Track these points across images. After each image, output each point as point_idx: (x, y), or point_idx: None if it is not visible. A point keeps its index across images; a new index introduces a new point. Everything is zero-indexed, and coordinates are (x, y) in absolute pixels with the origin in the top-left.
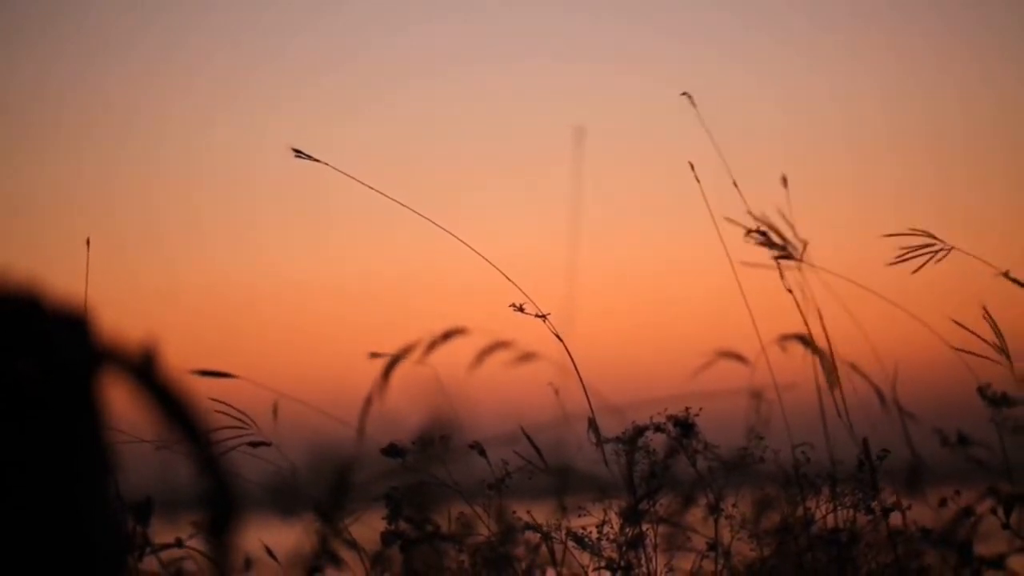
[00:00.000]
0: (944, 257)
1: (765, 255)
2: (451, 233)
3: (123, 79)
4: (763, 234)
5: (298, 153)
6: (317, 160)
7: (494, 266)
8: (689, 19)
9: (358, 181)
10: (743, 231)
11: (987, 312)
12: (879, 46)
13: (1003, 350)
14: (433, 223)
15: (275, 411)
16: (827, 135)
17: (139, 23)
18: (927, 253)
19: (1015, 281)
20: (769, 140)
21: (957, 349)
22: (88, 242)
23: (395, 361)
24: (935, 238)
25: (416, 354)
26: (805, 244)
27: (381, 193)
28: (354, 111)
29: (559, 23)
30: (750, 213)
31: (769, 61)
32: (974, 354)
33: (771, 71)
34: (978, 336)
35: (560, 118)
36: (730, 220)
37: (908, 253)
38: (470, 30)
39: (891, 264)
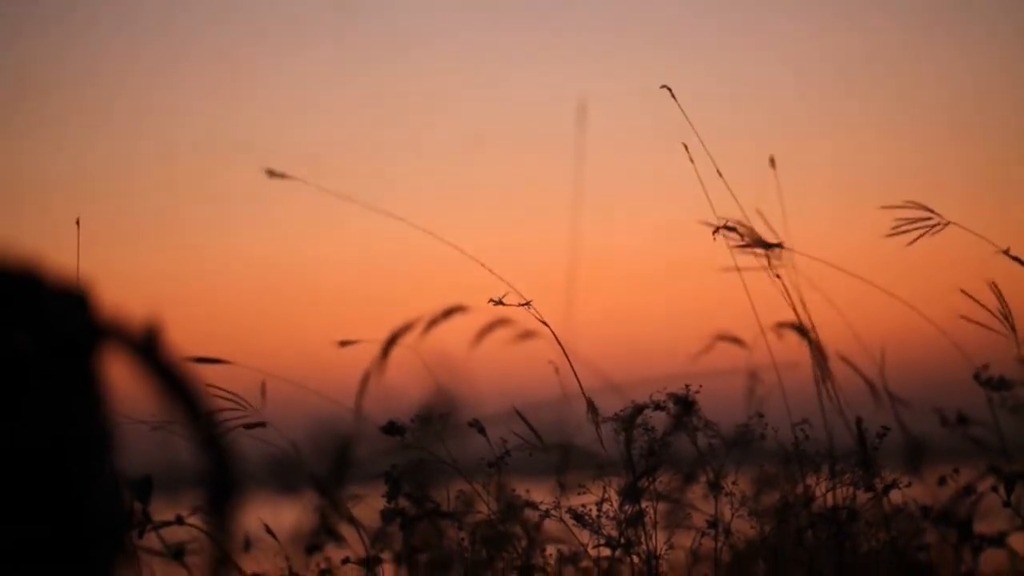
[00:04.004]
0: (940, 231)
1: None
2: (433, 234)
3: (121, 59)
4: (731, 230)
5: (271, 173)
6: (291, 178)
7: (475, 259)
8: (671, 13)
9: (334, 195)
10: (713, 229)
11: (993, 285)
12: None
13: (1010, 325)
14: (419, 228)
15: (263, 392)
16: (811, 121)
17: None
18: (923, 226)
19: (1016, 259)
20: (753, 128)
21: (963, 318)
22: (78, 222)
23: (394, 339)
24: (931, 211)
25: (417, 331)
26: (781, 243)
27: (358, 203)
28: (347, 84)
29: (553, 14)
30: (718, 217)
31: (748, 50)
32: (980, 324)
33: (750, 60)
34: (984, 307)
35: (557, 103)
36: (704, 223)
37: (904, 225)
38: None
39: (887, 236)
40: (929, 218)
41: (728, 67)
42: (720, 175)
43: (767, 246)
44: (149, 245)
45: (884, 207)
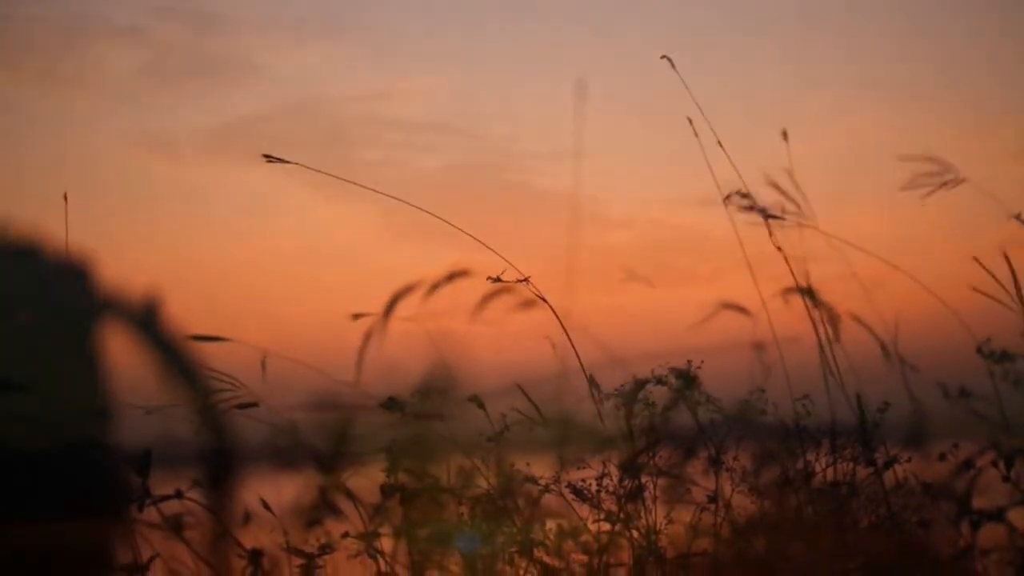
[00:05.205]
0: (955, 187)
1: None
2: (438, 216)
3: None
4: (744, 196)
5: (269, 158)
6: (288, 162)
7: (474, 238)
8: None
9: (336, 177)
10: (723, 197)
11: (1006, 255)
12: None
13: (1020, 298)
14: (420, 209)
15: (263, 368)
16: (821, 91)
17: None
18: (938, 181)
19: None
20: (761, 97)
21: (975, 290)
22: (65, 197)
23: (396, 300)
24: (947, 165)
25: (420, 294)
26: (787, 208)
27: (359, 185)
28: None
29: None
30: (722, 188)
31: (760, 18)
32: (990, 296)
33: (760, 29)
34: (994, 279)
35: (557, 78)
36: (713, 193)
37: (920, 180)
38: None
39: (902, 190)
40: (945, 172)
41: (730, 42)
42: (721, 146)
43: (774, 216)
44: (144, 223)
45: (901, 158)
